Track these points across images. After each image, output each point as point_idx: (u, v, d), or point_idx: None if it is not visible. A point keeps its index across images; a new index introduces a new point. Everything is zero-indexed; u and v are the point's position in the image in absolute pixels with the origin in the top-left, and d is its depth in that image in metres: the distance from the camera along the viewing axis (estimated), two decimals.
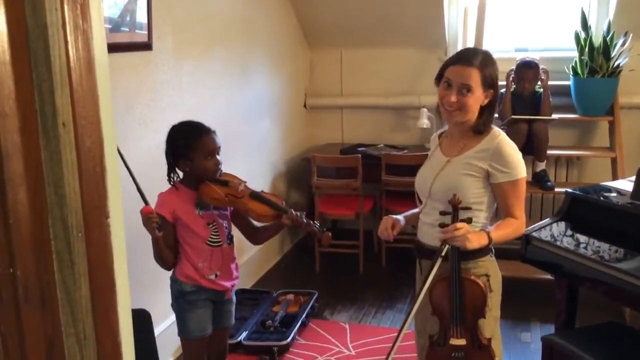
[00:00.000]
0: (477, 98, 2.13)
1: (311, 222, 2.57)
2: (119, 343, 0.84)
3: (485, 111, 2.18)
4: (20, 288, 0.70)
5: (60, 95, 0.71)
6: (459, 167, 2.19)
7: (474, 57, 2.15)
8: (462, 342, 2.14)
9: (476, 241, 2.05)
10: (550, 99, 4.18)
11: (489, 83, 2.14)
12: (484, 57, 2.18)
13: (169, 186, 2.49)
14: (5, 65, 0.67)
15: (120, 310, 0.84)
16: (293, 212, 2.51)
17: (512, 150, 2.14)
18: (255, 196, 2.51)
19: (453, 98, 2.12)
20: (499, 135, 2.18)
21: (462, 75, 2.12)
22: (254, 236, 2.70)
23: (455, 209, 2.07)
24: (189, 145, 2.38)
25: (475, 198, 2.16)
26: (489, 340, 2.18)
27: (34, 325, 0.73)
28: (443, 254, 2.09)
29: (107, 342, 0.81)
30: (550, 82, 4.27)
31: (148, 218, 2.29)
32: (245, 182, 2.56)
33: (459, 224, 2.03)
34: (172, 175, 2.48)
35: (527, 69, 4.16)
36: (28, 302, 0.71)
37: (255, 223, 2.65)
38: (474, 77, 2.11)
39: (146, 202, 2.29)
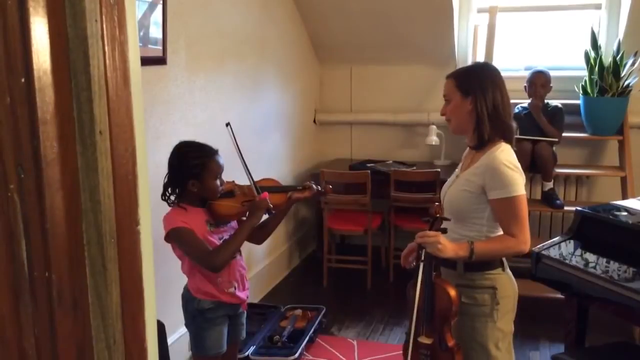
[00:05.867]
0: (456, 105, 2.24)
1: (313, 185, 2.67)
2: (146, 350, 0.85)
3: (478, 124, 2.22)
4: (54, 292, 0.71)
5: (98, 104, 0.72)
6: (461, 183, 2.26)
7: (455, 71, 2.32)
8: (428, 341, 2.24)
9: (452, 251, 2.11)
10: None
11: (464, 89, 2.21)
12: (466, 69, 2.32)
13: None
14: (46, 74, 0.69)
15: (147, 317, 0.86)
16: (298, 187, 2.65)
17: (505, 168, 2.13)
18: (262, 191, 2.55)
19: (441, 110, 2.31)
20: (496, 150, 2.18)
21: (444, 89, 2.30)
22: (258, 236, 2.69)
23: (435, 218, 2.19)
24: (203, 164, 2.38)
25: (474, 213, 2.21)
26: (456, 344, 2.23)
27: (66, 329, 0.74)
28: (422, 258, 2.20)
29: (135, 348, 0.82)
30: (560, 101, 4.29)
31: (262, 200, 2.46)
32: (234, 181, 2.61)
33: (430, 232, 2.13)
34: (174, 195, 2.44)
35: (538, 74, 4.21)
36: (61, 306, 0.73)
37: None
38: (449, 86, 2.27)
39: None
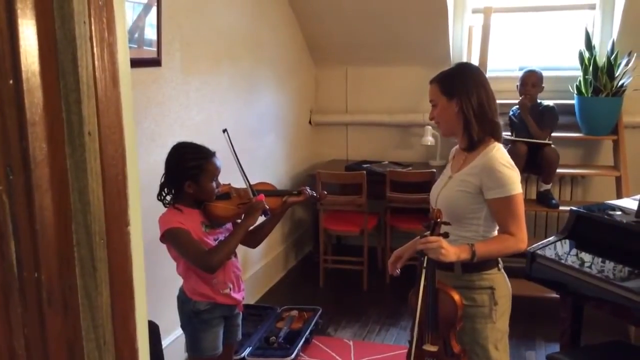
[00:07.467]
0: (443, 109, 2.26)
1: (308, 190, 2.67)
2: (136, 350, 0.85)
3: (466, 124, 2.22)
4: (44, 292, 0.72)
5: (87, 105, 0.73)
6: (456, 184, 2.25)
7: (437, 75, 2.32)
8: (434, 348, 2.20)
9: (454, 254, 2.08)
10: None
11: (448, 92, 2.23)
12: (448, 72, 2.33)
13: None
14: (34, 75, 0.69)
15: (138, 317, 0.86)
16: (293, 191, 2.65)
17: (502, 167, 2.14)
18: (258, 193, 2.55)
19: (429, 115, 2.35)
20: (492, 150, 2.19)
21: (429, 94, 2.32)
22: (253, 239, 2.69)
23: (435, 223, 2.14)
24: (200, 166, 2.38)
25: (471, 213, 2.21)
26: (462, 350, 2.21)
27: (56, 329, 0.74)
28: (425, 265, 2.16)
29: (125, 348, 0.82)
30: (554, 101, 4.30)
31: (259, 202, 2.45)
32: (230, 183, 2.61)
33: (432, 237, 2.09)
34: (170, 196, 2.44)
35: (530, 73, 4.22)
36: (51, 307, 0.73)
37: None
38: (433, 91, 2.29)
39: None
